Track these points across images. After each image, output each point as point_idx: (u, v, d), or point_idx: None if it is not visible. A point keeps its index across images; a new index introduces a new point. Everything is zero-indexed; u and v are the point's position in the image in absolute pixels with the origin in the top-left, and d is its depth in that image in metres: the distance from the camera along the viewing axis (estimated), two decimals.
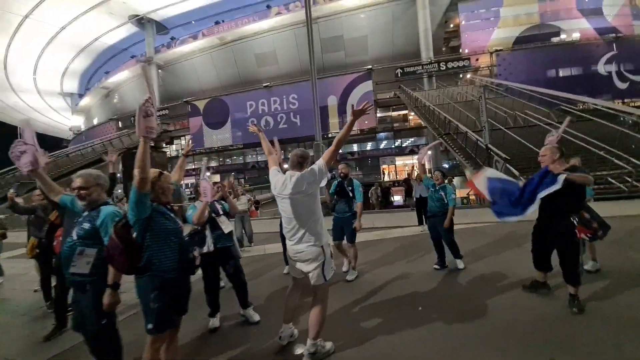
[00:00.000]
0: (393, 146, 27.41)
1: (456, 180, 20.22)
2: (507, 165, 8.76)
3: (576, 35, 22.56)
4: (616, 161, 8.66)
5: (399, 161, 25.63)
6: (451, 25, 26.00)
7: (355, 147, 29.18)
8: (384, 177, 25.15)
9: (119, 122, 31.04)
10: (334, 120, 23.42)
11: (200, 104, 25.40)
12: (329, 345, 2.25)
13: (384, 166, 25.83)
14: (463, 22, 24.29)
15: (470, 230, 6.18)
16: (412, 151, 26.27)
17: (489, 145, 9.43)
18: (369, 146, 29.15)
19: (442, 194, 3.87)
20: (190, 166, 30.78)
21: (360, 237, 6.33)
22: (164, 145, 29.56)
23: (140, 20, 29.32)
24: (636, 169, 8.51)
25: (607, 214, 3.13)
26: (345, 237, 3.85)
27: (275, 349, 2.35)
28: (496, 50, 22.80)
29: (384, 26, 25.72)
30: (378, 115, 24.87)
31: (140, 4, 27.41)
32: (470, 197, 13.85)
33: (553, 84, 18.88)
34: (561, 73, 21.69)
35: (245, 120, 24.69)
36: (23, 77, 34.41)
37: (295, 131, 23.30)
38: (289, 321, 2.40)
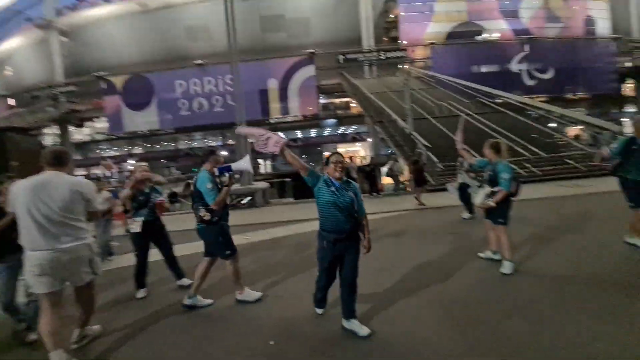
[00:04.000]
0: (336, 133, 27.51)
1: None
2: (428, 152, 9.06)
3: (496, 35, 24.80)
4: (518, 149, 9.58)
5: (341, 148, 25.76)
6: (391, 15, 26.44)
7: (299, 134, 28.60)
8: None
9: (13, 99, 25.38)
10: (275, 105, 22.31)
11: (118, 81, 21.84)
12: (96, 327, 2.44)
13: (327, 154, 25.70)
14: (402, 13, 24.80)
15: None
16: (354, 139, 26.68)
17: (413, 133, 9.65)
18: (313, 133, 28.83)
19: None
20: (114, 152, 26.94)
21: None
22: (75, 127, 25.21)
23: None
24: (534, 156, 9.57)
25: None
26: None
27: None
28: (431, 43, 23.91)
29: (326, 9, 25.00)
30: (321, 101, 24.43)
31: None
32: None
33: (475, 79, 20.47)
34: (482, 69, 23.71)
35: (175, 101, 22.12)
36: None
37: (233, 115, 21.64)
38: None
